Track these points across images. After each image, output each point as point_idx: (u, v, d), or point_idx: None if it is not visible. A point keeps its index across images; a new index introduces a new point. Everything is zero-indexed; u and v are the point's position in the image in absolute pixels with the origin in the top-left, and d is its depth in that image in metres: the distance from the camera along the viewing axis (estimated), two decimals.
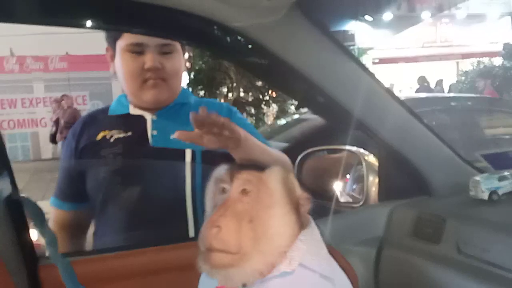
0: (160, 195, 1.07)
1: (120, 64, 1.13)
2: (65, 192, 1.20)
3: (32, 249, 0.91)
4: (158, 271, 0.92)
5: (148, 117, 1.15)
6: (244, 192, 0.61)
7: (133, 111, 1.17)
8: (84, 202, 1.17)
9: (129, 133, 1.14)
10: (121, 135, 1.13)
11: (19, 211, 0.87)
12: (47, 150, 9.75)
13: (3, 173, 0.82)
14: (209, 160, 1.03)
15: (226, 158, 1.03)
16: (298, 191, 0.66)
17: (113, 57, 1.16)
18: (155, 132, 1.13)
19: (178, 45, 1.14)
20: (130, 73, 1.11)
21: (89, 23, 0.87)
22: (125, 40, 1.10)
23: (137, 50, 1.09)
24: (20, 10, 0.77)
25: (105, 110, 1.22)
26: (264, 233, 0.61)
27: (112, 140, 1.13)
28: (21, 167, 7.35)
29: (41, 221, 0.84)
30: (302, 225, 0.64)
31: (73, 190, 1.19)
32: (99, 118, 1.20)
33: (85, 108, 9.85)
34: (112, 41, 1.14)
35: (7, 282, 0.82)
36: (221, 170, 0.66)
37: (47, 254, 1.14)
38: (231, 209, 0.60)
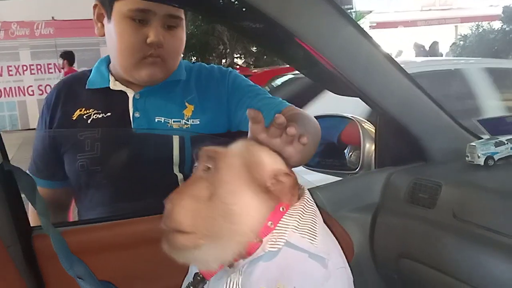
0: (146, 178, 0.98)
1: (116, 32, 0.95)
2: (40, 170, 1.07)
3: (25, 219, 0.90)
4: (151, 241, 0.92)
5: (130, 94, 1.00)
6: (206, 169, 0.59)
7: (114, 85, 1.01)
8: (62, 181, 1.06)
9: (108, 114, 1.00)
10: (100, 116, 1.00)
11: (11, 181, 0.85)
12: (36, 119, 9.59)
13: None
14: (198, 143, 0.96)
15: (216, 139, 0.98)
16: (272, 167, 0.59)
17: (102, 17, 0.98)
18: (137, 114, 0.99)
19: (183, 19, 0.99)
20: (128, 45, 0.95)
21: None
22: (128, 3, 0.92)
23: (141, 18, 0.93)
24: None
25: (82, 79, 1.05)
26: (225, 211, 0.56)
27: (89, 121, 1.00)
28: (10, 137, 7.25)
29: (32, 190, 0.82)
30: (277, 201, 0.58)
31: (50, 169, 1.06)
32: (76, 91, 1.04)
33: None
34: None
35: (2, 252, 0.81)
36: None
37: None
38: (191, 187, 0.58)
